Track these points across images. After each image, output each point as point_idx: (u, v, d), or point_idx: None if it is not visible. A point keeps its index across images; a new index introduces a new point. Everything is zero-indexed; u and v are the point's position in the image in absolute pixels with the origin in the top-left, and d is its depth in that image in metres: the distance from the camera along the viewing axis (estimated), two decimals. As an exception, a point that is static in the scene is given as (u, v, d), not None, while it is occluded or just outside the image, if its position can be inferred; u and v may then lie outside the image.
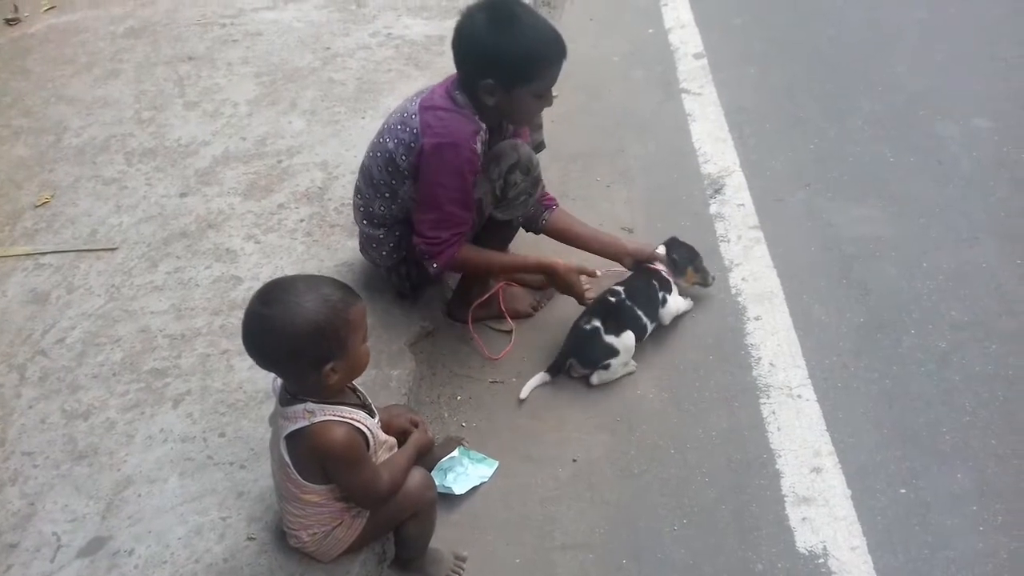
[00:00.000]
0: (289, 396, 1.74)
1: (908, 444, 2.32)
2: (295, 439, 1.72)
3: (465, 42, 2.27)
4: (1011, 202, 3.18)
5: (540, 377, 2.57)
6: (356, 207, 2.62)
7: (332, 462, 1.73)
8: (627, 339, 2.53)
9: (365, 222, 2.59)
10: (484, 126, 2.34)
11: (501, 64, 2.23)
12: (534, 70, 2.26)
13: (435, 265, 2.45)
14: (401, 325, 2.64)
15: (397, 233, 2.56)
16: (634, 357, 2.59)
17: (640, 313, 2.59)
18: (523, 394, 2.54)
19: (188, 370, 2.46)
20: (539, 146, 2.78)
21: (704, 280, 2.78)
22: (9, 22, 4.78)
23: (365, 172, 2.54)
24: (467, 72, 2.31)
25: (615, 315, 2.56)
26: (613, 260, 2.75)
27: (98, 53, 4.35)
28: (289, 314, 1.61)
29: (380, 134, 2.47)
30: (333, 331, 1.64)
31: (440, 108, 2.32)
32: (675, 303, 2.70)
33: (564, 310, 2.77)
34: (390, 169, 2.42)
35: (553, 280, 2.63)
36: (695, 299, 2.81)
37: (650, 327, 2.63)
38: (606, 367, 2.52)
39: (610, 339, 2.51)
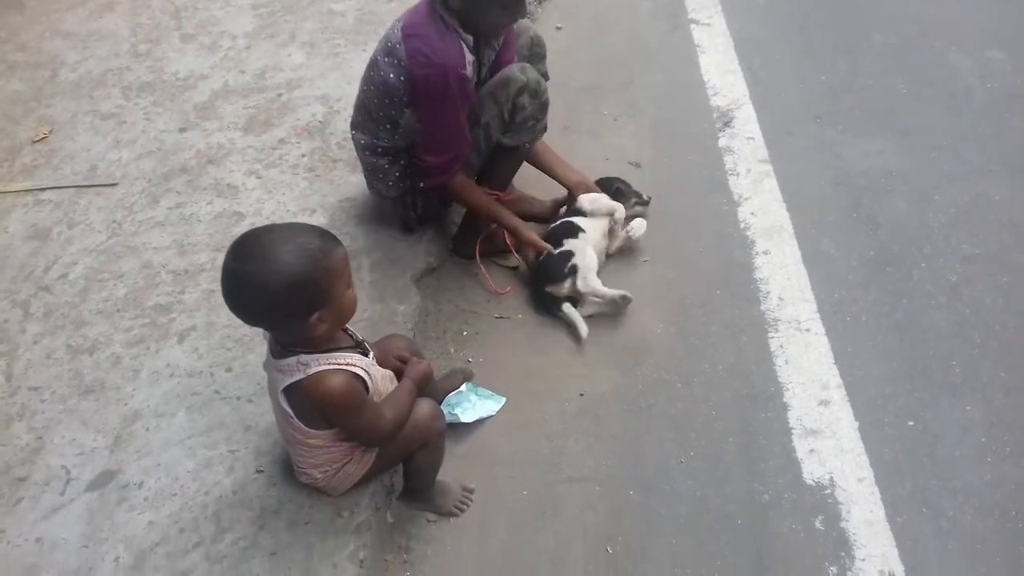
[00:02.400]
0: (280, 347, 1.69)
1: (917, 377, 2.31)
2: (293, 391, 1.70)
3: None
4: (1025, 134, 3.12)
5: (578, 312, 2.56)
6: (357, 141, 2.58)
7: (332, 411, 1.71)
8: (579, 239, 2.61)
9: (368, 152, 2.55)
10: (470, 39, 2.32)
11: None
12: None
13: (421, 184, 2.50)
14: (406, 260, 2.62)
15: (402, 162, 2.53)
16: (640, 292, 2.57)
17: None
18: (583, 333, 2.51)
19: (192, 305, 2.45)
20: (542, 77, 2.73)
21: (641, 199, 2.84)
22: (0, -46, 4.65)
23: (362, 107, 2.50)
24: None
25: (561, 232, 2.66)
26: (562, 184, 2.78)
27: (92, -15, 4.25)
28: (267, 268, 1.54)
29: (370, 67, 2.43)
30: (313, 282, 1.57)
31: (423, 34, 2.27)
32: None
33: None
34: (387, 101, 2.39)
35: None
36: (700, 231, 2.78)
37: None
38: (573, 270, 2.54)
39: (566, 244, 2.60)
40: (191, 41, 3.72)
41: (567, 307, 2.55)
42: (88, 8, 4.04)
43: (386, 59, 2.33)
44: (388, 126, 2.44)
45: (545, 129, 2.63)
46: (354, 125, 2.57)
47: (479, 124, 2.44)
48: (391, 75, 2.32)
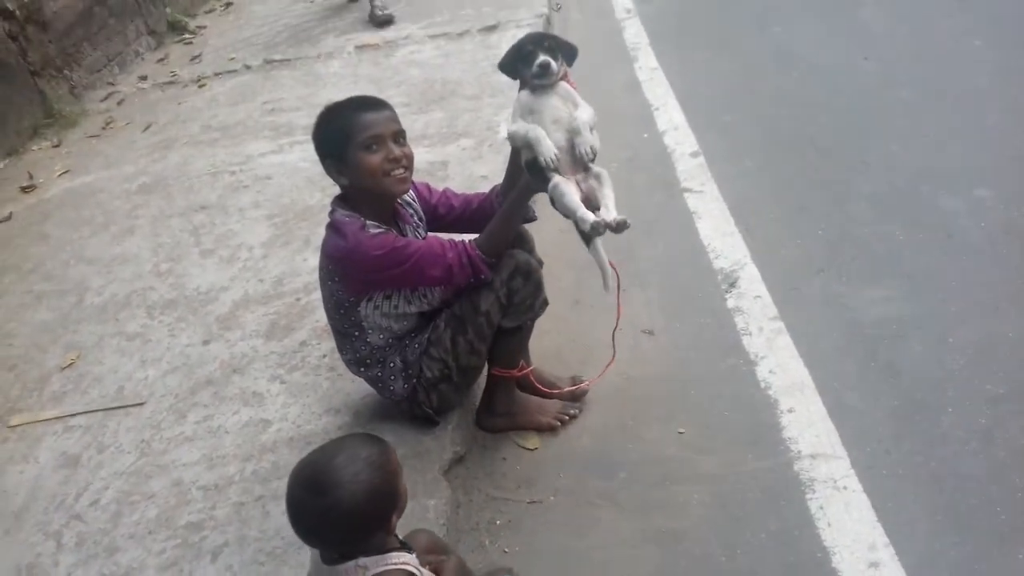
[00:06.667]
0: (338, 555, 1.72)
1: (964, 528, 2.25)
2: None
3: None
4: (1027, 268, 3.18)
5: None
6: (346, 363, 2.67)
7: None
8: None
9: (362, 369, 2.62)
10: (362, 219, 2.37)
11: (320, 142, 2.38)
12: (343, 128, 2.31)
13: (482, 277, 2.44)
14: (433, 452, 2.62)
15: (392, 364, 2.58)
16: (670, 463, 2.55)
17: None
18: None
19: (224, 520, 2.44)
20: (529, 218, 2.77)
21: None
22: (25, 189, 4.95)
23: (332, 331, 2.62)
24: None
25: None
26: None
27: (114, 211, 4.48)
28: (350, 494, 1.63)
29: (322, 291, 2.57)
30: (387, 488, 1.69)
31: (328, 239, 2.43)
32: None
33: (594, 418, 2.77)
34: (342, 311, 2.49)
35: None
36: (721, 394, 2.79)
37: None
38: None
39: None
40: (210, 256, 3.89)
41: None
42: (111, 233, 4.25)
43: (322, 275, 2.51)
44: (356, 333, 2.53)
45: (546, 303, 2.65)
46: (337, 347, 2.66)
47: (479, 313, 2.49)
48: (331, 286, 2.48)
